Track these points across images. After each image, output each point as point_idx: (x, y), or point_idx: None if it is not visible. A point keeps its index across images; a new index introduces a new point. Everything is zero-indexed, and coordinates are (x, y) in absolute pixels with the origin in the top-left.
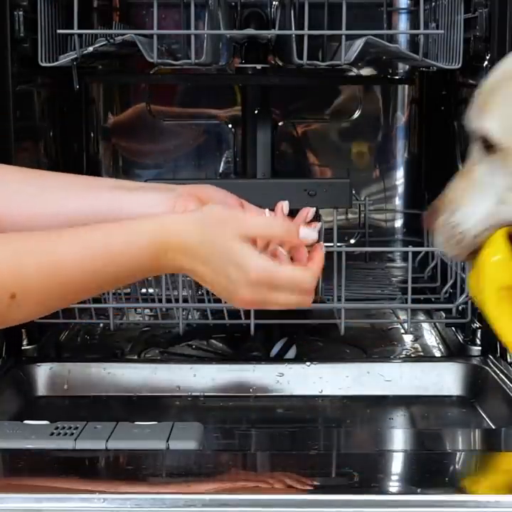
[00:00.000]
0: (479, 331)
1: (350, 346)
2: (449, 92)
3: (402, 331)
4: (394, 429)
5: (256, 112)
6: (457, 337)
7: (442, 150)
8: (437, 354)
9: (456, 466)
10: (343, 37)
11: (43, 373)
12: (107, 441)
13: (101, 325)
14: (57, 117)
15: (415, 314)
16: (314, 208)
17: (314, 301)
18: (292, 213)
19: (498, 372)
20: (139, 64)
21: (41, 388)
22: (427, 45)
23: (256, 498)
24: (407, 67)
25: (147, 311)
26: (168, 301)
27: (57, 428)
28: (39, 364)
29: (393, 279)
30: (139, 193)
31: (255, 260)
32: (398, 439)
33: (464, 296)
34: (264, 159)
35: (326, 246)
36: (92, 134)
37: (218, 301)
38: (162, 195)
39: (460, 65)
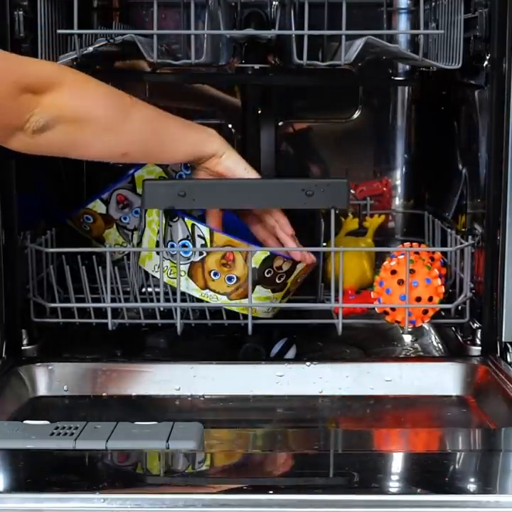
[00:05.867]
0: (479, 330)
1: (350, 346)
2: (449, 92)
3: (402, 331)
4: (393, 429)
5: (260, 112)
6: (457, 337)
7: (442, 150)
8: (437, 354)
9: (456, 466)
10: (343, 37)
11: (43, 373)
12: (107, 441)
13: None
14: None
15: None
16: None
17: (313, 301)
18: (290, 213)
19: (498, 372)
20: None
21: (41, 388)
22: (427, 45)
23: (256, 498)
24: (407, 67)
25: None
26: (167, 300)
27: (57, 428)
28: (39, 364)
29: None
30: None
31: None
32: (398, 439)
33: (462, 295)
34: (267, 160)
35: (326, 246)
36: None
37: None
38: None
39: (460, 65)
